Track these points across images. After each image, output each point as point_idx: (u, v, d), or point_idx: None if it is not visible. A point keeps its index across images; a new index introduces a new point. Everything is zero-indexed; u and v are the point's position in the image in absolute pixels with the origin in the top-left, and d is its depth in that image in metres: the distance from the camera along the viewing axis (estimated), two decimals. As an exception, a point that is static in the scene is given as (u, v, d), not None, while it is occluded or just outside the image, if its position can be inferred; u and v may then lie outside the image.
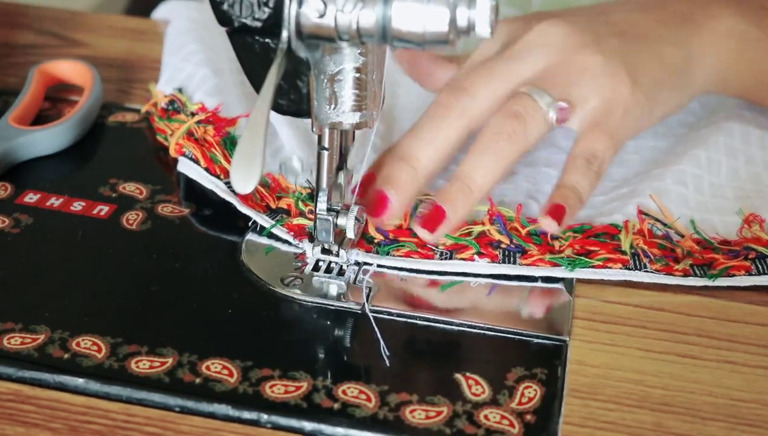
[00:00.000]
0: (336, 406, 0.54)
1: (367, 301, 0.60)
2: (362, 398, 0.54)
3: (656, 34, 0.68)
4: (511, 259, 0.63)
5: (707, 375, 0.57)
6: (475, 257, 0.62)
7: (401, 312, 0.59)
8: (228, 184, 0.67)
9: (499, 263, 0.62)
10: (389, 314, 0.59)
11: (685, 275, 0.62)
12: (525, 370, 0.56)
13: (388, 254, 0.63)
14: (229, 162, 0.67)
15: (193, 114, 0.72)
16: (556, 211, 0.61)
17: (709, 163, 0.70)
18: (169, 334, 0.58)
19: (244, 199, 0.66)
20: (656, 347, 0.59)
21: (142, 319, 0.59)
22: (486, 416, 0.53)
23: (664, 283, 0.62)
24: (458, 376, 0.56)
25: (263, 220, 0.65)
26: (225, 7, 0.53)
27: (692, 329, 0.60)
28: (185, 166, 0.68)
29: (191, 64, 0.77)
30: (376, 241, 0.64)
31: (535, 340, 0.58)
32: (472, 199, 0.61)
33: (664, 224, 0.65)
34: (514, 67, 0.65)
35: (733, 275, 0.62)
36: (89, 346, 0.57)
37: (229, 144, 0.69)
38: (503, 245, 0.63)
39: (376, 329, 0.58)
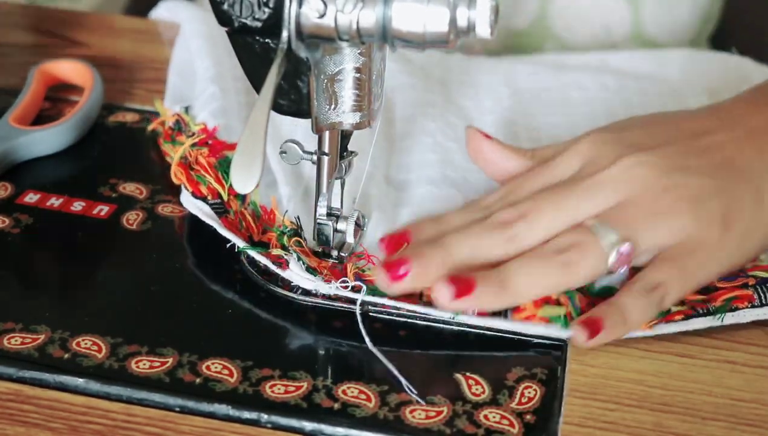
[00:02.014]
0: (336, 406, 0.54)
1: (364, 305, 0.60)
2: (362, 398, 0.54)
3: (762, 165, 0.61)
4: (503, 313, 0.59)
5: (707, 375, 0.57)
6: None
7: (401, 312, 0.59)
8: (214, 205, 0.65)
9: (488, 317, 0.58)
10: (389, 314, 0.59)
11: (686, 316, 0.59)
12: (525, 370, 0.56)
13: (370, 293, 0.59)
14: (221, 184, 0.65)
15: (192, 134, 0.70)
16: (591, 325, 0.56)
17: None
18: (169, 334, 0.58)
19: (228, 223, 0.63)
20: (656, 347, 0.59)
21: (142, 319, 0.59)
22: (486, 416, 0.53)
23: (664, 332, 0.58)
24: (458, 376, 0.56)
25: (243, 242, 0.62)
26: (225, 7, 0.53)
27: (692, 328, 0.60)
28: (184, 198, 0.66)
29: (202, 80, 0.76)
30: (355, 288, 0.59)
31: (535, 340, 0.58)
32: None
33: None
34: (584, 204, 0.59)
35: (736, 308, 0.59)
36: (89, 346, 0.57)
37: (225, 166, 0.66)
38: None
39: (391, 367, 0.56)
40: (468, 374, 0.56)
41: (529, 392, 0.55)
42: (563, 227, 0.59)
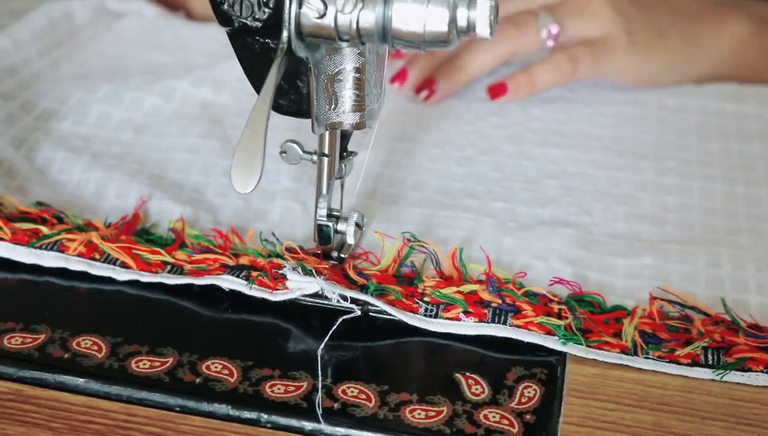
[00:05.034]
0: (336, 406, 0.54)
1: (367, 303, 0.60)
2: (362, 398, 0.54)
3: (664, 20, 0.82)
4: (502, 318, 0.58)
5: (707, 375, 0.57)
6: (461, 315, 0.58)
7: (401, 311, 0.59)
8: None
9: (487, 322, 0.58)
10: (389, 313, 0.59)
11: (694, 361, 0.57)
12: (525, 369, 0.56)
13: (373, 294, 0.59)
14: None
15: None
16: (496, 90, 0.78)
17: (754, 247, 0.66)
18: (169, 334, 0.58)
19: (196, 273, 0.61)
20: (656, 347, 0.59)
21: (142, 319, 0.59)
22: (486, 416, 0.53)
23: (663, 371, 0.57)
24: (458, 376, 0.56)
25: (230, 282, 0.60)
26: (225, 7, 0.53)
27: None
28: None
29: None
30: (358, 284, 0.60)
31: (535, 340, 0.58)
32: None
33: (684, 306, 0.60)
34: None
35: (749, 370, 0.56)
36: (89, 346, 0.57)
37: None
38: (494, 305, 0.59)
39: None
40: (468, 373, 0.56)
41: (529, 392, 0.55)
42: (518, 10, 0.80)
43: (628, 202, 0.70)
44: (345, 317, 0.57)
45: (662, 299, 0.60)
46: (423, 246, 0.62)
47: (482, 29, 0.52)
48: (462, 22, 0.52)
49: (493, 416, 0.53)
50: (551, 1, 0.80)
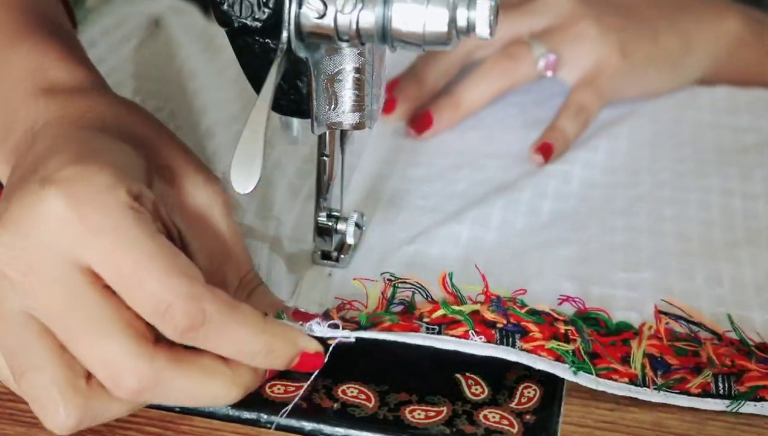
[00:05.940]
0: (336, 406, 0.54)
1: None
2: (362, 398, 0.54)
3: (658, 22, 0.81)
4: (510, 340, 0.55)
5: (707, 375, 0.57)
6: (471, 333, 0.55)
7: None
8: None
9: (496, 343, 0.55)
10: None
11: (705, 390, 0.55)
12: (524, 370, 0.56)
13: (367, 328, 0.55)
14: None
15: None
16: (545, 149, 0.74)
17: (754, 262, 0.65)
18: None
19: None
20: (656, 347, 0.58)
21: (143, 319, 0.59)
22: (486, 416, 0.53)
23: (674, 404, 0.54)
24: (458, 376, 0.56)
25: None
26: (225, 7, 0.53)
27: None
28: None
29: None
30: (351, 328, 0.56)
31: (535, 340, 0.58)
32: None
33: (690, 323, 0.58)
34: (521, 19, 0.79)
35: (762, 399, 0.54)
36: (89, 346, 0.57)
37: None
38: (499, 325, 0.56)
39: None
40: (467, 374, 0.56)
41: (529, 392, 0.55)
42: (506, 37, 0.78)
43: (624, 215, 0.70)
44: (339, 338, 0.54)
45: (667, 314, 0.58)
46: (405, 282, 0.59)
47: (482, 29, 0.52)
48: (462, 22, 0.52)
49: (493, 417, 0.53)
50: (537, 26, 0.79)
